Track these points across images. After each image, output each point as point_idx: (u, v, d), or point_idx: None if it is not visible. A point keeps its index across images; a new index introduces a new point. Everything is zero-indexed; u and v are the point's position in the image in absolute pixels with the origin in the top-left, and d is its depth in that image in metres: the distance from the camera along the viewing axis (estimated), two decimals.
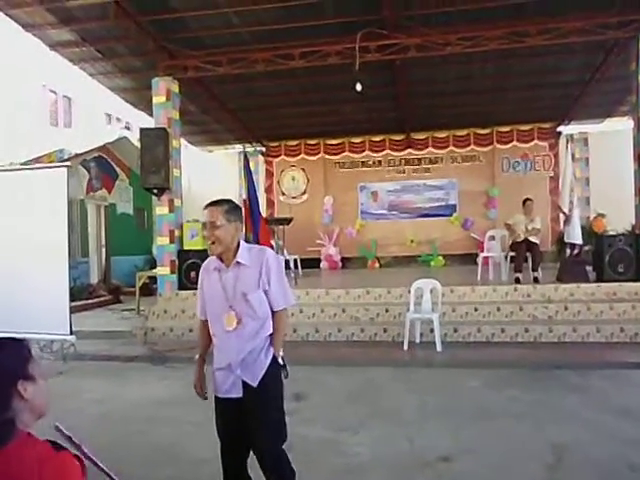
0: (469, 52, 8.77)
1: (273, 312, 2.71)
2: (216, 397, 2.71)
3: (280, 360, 2.71)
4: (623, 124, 13.04)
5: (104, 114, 18.26)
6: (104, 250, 13.97)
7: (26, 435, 1.34)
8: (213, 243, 2.60)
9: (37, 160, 10.76)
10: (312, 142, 14.93)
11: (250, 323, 2.62)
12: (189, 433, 4.49)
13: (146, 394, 5.72)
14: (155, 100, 9.32)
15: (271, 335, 2.70)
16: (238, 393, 2.62)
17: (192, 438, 4.35)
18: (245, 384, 2.61)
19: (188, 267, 9.17)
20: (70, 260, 6.89)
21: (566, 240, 9.24)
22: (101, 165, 13.62)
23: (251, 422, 2.62)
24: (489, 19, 8.33)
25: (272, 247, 8.43)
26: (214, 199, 2.71)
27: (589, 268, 8.95)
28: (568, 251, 9.33)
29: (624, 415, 4.59)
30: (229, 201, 2.72)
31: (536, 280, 8.61)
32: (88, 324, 8.90)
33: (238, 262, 2.63)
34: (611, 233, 9.27)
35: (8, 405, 1.33)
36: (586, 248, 10.32)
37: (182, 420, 4.82)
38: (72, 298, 6.78)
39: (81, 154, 12.56)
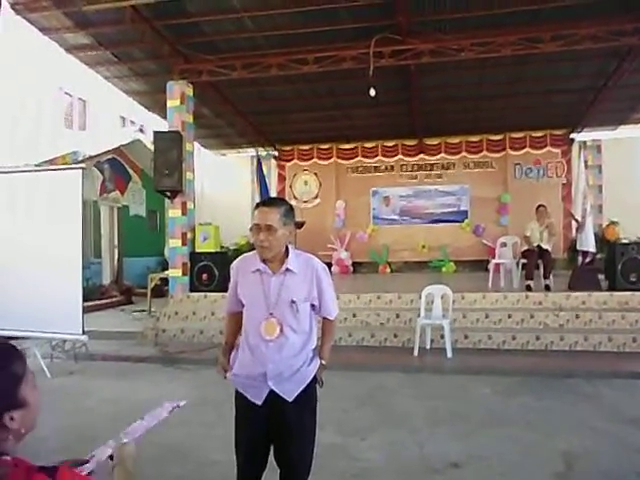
0: (483, 58, 8.75)
1: (324, 321, 2.68)
2: (240, 394, 2.56)
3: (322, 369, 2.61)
4: (637, 131, 12.98)
5: (118, 117, 18.40)
6: (116, 251, 14.07)
7: (12, 466, 1.21)
8: (267, 247, 2.43)
9: (52, 162, 10.87)
10: (325, 146, 14.96)
11: (292, 335, 2.46)
12: (199, 434, 4.52)
13: (157, 395, 5.75)
14: (169, 103, 9.40)
15: (317, 345, 2.62)
16: (259, 401, 2.47)
17: (203, 439, 4.38)
18: (276, 395, 2.45)
19: (200, 270, 9.22)
20: (83, 261, 6.97)
21: (578, 248, 9.18)
22: (115, 167, 13.72)
23: (283, 438, 2.48)
24: (503, 25, 8.32)
25: None
26: (269, 198, 2.59)
27: (601, 276, 8.88)
28: (580, 259, 9.28)
29: (634, 424, 4.56)
30: (285, 202, 2.58)
31: (548, 288, 8.56)
32: (100, 324, 8.96)
33: (288, 269, 2.48)
34: (624, 241, 9.21)
35: None
36: (598, 256, 10.25)
37: (193, 421, 4.84)
38: (84, 298, 6.82)
39: (95, 156, 12.65)
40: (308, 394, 2.52)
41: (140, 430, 1.72)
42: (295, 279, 2.49)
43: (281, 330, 2.44)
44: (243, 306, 2.60)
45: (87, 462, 1.54)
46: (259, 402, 2.46)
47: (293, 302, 2.45)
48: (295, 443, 2.48)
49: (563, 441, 4.22)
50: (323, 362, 2.62)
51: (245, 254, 2.69)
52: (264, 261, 2.49)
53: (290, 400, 2.45)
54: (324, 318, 2.67)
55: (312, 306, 2.56)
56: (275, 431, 2.49)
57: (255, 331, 2.47)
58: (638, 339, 7.16)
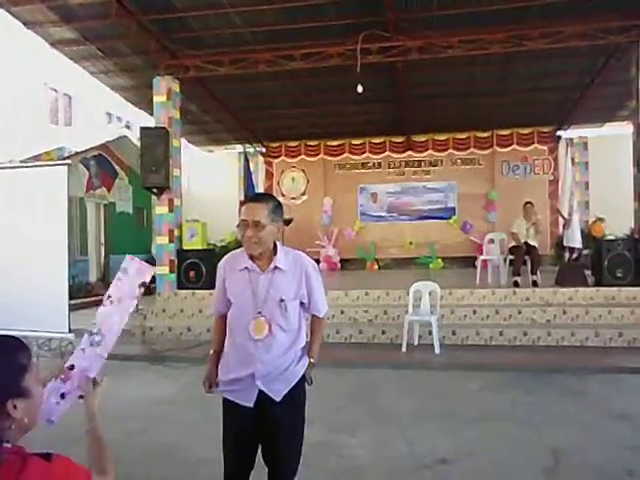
0: (470, 55, 8.81)
1: (313, 318, 2.64)
2: (227, 400, 2.51)
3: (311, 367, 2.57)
4: (623, 129, 13.06)
5: (104, 113, 18.26)
6: (103, 249, 13.97)
7: (13, 453, 1.22)
8: (255, 243, 2.39)
9: (37, 158, 10.76)
10: (312, 143, 14.94)
11: (280, 334, 2.41)
12: (187, 433, 4.48)
13: (144, 393, 5.72)
14: (156, 99, 9.31)
15: (306, 343, 2.57)
16: (250, 403, 2.41)
17: (190, 438, 4.35)
18: (264, 395, 2.41)
19: (187, 267, 9.17)
20: (69, 258, 6.88)
21: (565, 244, 9.24)
22: (101, 163, 13.63)
23: (271, 437, 2.44)
24: (491, 22, 8.35)
25: None
26: (256, 194, 2.54)
27: (588, 272, 8.96)
28: (567, 255, 9.35)
29: (622, 420, 4.59)
30: (273, 198, 2.53)
31: (535, 284, 8.62)
32: (87, 322, 8.79)
33: (277, 267, 2.43)
34: (610, 237, 9.26)
35: None
36: (585, 252, 10.32)
37: (180, 420, 4.82)
38: (71, 296, 6.75)
39: (81, 152, 12.57)
40: (296, 393, 2.48)
41: (114, 329, 1.75)
42: (284, 277, 2.44)
43: (270, 329, 2.39)
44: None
45: (68, 378, 1.67)
46: (250, 404, 2.41)
47: (282, 301, 2.41)
48: (284, 442, 2.45)
49: (551, 436, 4.24)
50: (312, 360, 2.58)
51: (233, 251, 2.63)
52: (252, 258, 2.44)
53: (278, 400, 2.42)
54: (313, 315, 2.64)
55: (301, 304, 2.52)
56: (264, 431, 2.45)
57: (243, 330, 2.41)
58: (624, 334, 7.22)
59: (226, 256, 2.63)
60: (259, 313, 2.39)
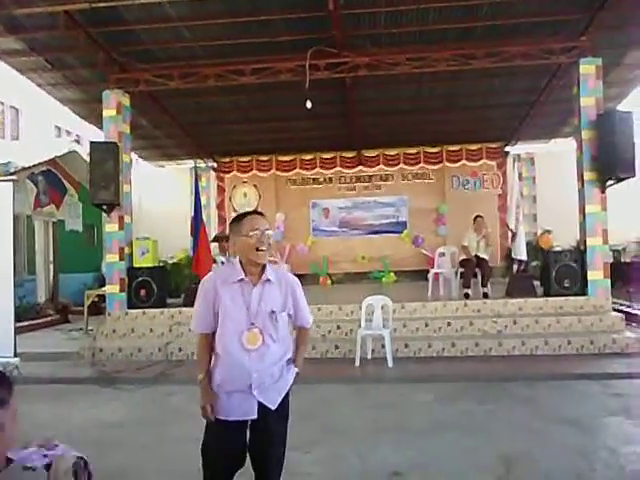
0: (419, 72, 8.98)
1: (300, 330, 2.78)
2: (222, 421, 2.52)
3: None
4: (568, 145, 13.57)
5: (53, 126, 17.78)
6: (52, 268, 13.50)
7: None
8: (265, 251, 2.56)
9: None
10: (264, 158, 14.86)
11: (272, 344, 2.53)
12: (138, 457, 4.35)
13: (94, 417, 5.51)
14: (105, 113, 9.12)
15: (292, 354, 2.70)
16: (254, 415, 2.50)
17: (142, 462, 4.23)
18: (260, 405, 2.51)
19: (138, 285, 8.96)
20: (16, 278, 6.64)
21: (513, 256, 9.49)
22: (50, 179, 13.21)
23: (264, 444, 2.55)
24: (438, 41, 8.58)
25: (211, 265, 8.32)
26: (254, 209, 2.74)
27: (537, 283, 9.21)
28: (516, 267, 9.59)
29: (570, 424, 4.71)
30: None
31: (486, 295, 8.79)
32: (34, 345, 8.54)
33: (269, 279, 2.57)
34: (557, 249, 9.55)
35: None
36: (533, 263, 10.63)
37: (131, 443, 4.67)
38: (18, 318, 6.52)
39: (28, 168, 12.15)
40: (286, 401, 2.62)
41: None
42: (273, 289, 2.59)
43: (263, 340, 2.50)
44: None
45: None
46: (254, 416, 2.50)
47: (273, 312, 2.54)
48: (274, 450, 2.57)
49: (503, 444, 4.30)
50: (297, 370, 2.69)
51: (217, 267, 2.76)
52: (244, 271, 2.56)
53: (274, 408, 2.52)
54: (300, 327, 2.78)
55: (288, 316, 2.65)
56: (257, 439, 2.55)
57: (236, 342, 2.49)
58: (573, 342, 7.44)
59: (213, 272, 2.74)
60: (252, 324, 2.50)
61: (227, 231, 3.45)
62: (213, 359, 2.61)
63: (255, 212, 2.71)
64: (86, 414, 5.60)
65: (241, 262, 2.61)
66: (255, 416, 2.50)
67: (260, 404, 2.50)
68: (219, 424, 2.52)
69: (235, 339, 2.49)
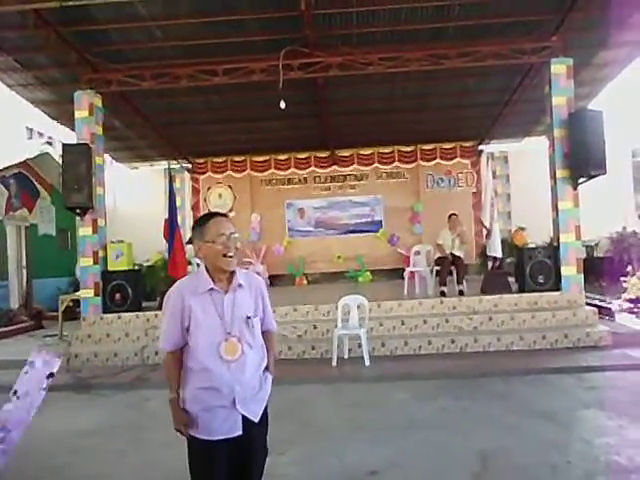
0: (391, 72, 9.02)
1: (267, 334, 2.62)
2: (205, 441, 2.36)
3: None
4: (540, 143, 13.76)
5: (25, 128, 17.43)
6: (25, 273, 13.24)
7: None
8: (233, 257, 2.41)
9: None
10: (239, 159, 14.77)
11: (250, 352, 2.40)
12: (116, 464, 4.30)
13: (69, 424, 5.42)
14: (77, 114, 8.97)
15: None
16: (239, 430, 2.36)
17: (119, 468, 4.17)
18: (244, 419, 2.37)
19: (112, 289, 8.84)
20: None
21: (488, 253, 9.59)
22: (21, 182, 12.96)
23: (248, 458, 2.44)
24: (410, 40, 8.63)
25: (187, 267, 8.22)
26: (218, 211, 2.55)
27: (511, 279, 9.32)
28: (490, 264, 9.70)
29: (545, 418, 4.78)
30: None
31: (461, 293, 8.86)
32: (7, 353, 8.37)
33: (240, 284, 2.45)
34: (531, 246, 9.68)
35: None
36: (508, 260, 10.75)
37: (108, 450, 4.61)
38: None
39: None
40: (265, 411, 2.51)
41: (21, 424, 1.61)
42: (244, 294, 2.47)
43: (242, 349, 2.38)
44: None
45: None
46: (239, 432, 2.36)
47: (248, 318, 2.43)
48: (258, 460, 2.49)
49: (479, 440, 4.34)
50: (271, 376, 2.62)
51: (183, 278, 2.57)
52: (213, 280, 2.42)
53: (257, 421, 2.41)
54: (267, 331, 2.63)
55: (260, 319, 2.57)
56: (242, 453, 2.42)
57: (214, 354, 2.34)
58: (547, 336, 7.55)
59: (179, 283, 2.52)
60: (229, 334, 2.37)
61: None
62: (183, 376, 2.44)
63: (219, 214, 2.51)
64: (61, 422, 5.49)
65: (207, 269, 2.45)
66: (240, 432, 2.36)
67: (244, 418, 2.37)
68: (203, 445, 2.36)
69: (212, 351, 2.34)
